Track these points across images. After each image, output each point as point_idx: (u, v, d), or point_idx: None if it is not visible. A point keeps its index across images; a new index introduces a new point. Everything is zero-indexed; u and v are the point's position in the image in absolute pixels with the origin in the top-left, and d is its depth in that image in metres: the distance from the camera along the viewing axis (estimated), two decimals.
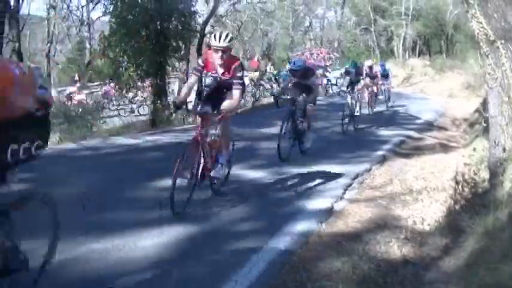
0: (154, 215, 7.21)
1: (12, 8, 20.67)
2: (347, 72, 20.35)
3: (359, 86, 18.53)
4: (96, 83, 39.92)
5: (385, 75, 25.07)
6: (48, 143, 4.45)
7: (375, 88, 22.65)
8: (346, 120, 17.02)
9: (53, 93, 31.12)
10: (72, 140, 15.09)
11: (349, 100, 17.49)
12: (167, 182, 7.32)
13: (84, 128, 18.20)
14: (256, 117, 20.08)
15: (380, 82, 24.02)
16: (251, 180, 9.97)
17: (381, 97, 24.60)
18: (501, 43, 6.55)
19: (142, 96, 29.20)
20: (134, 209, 7.57)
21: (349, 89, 18.19)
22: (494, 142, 6.98)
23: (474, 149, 11.09)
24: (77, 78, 42.10)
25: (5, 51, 20.44)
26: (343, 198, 8.93)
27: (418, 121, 21.14)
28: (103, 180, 9.27)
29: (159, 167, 9.62)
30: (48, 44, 48.02)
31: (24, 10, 37.31)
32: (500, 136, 6.81)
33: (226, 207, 8.05)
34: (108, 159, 11.86)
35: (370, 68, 22.30)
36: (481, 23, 6.68)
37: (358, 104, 18.17)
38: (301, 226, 7.18)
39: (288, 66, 19.03)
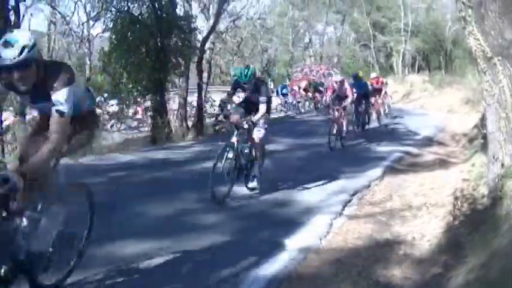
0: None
1: (12, 23, 20.70)
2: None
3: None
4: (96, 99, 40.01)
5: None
6: None
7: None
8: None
9: None
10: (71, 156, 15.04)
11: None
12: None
13: None
14: None
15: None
16: (249, 197, 10.00)
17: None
18: (498, 60, 6.57)
19: (141, 114, 29.26)
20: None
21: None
22: (493, 158, 6.99)
23: (473, 165, 11.09)
24: None
25: None
26: (342, 215, 8.94)
27: (418, 137, 21.12)
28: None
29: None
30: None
31: (24, 25, 37.41)
32: (498, 152, 6.81)
33: (225, 221, 8.08)
34: (103, 177, 11.80)
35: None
36: (478, 39, 6.70)
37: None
38: (300, 242, 7.18)
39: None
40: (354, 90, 18.93)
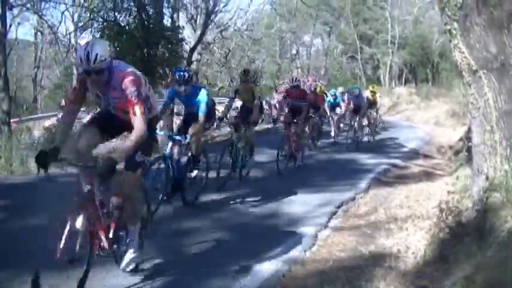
0: None
1: None
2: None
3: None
4: (82, 109, 39.76)
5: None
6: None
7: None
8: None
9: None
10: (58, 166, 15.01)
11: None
12: None
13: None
14: None
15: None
16: (234, 208, 9.99)
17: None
18: (483, 73, 6.62)
19: None
20: None
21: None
22: (477, 171, 7.02)
23: (457, 178, 11.13)
24: (63, 103, 41.90)
25: None
26: (328, 227, 8.95)
27: (404, 149, 21.16)
28: None
29: None
30: (35, 69, 48.03)
31: (11, 34, 37.39)
32: (483, 165, 6.85)
33: (209, 232, 8.08)
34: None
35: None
36: (463, 53, 6.75)
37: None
38: (285, 254, 7.18)
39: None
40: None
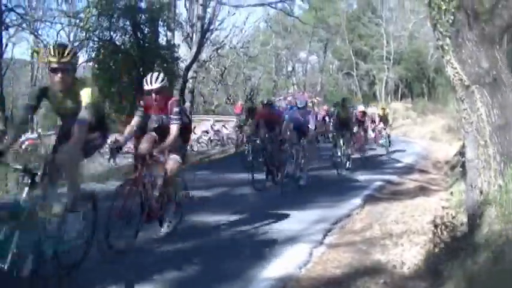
0: None
1: None
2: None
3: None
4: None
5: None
6: None
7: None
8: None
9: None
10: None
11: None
12: None
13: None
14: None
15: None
16: (228, 225, 9.99)
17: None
18: (476, 88, 6.64)
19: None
20: None
21: None
22: (471, 185, 7.02)
23: (451, 193, 11.14)
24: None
25: None
26: (323, 244, 8.90)
27: (400, 164, 21.23)
28: None
29: None
30: (31, 88, 48.08)
31: (7, 54, 37.49)
32: (477, 179, 6.84)
33: (203, 250, 8.07)
34: None
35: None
36: (455, 68, 6.77)
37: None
38: (280, 271, 7.14)
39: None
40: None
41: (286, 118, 15.03)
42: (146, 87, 8.27)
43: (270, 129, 15.04)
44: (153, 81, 8.22)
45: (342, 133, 18.70)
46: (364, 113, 24.07)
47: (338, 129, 19.09)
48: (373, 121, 27.22)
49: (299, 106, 14.98)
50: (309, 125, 14.83)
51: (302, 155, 14.66)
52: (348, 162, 18.62)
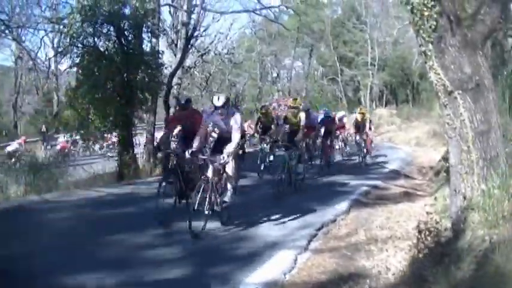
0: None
1: None
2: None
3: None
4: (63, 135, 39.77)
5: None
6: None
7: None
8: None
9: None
10: (37, 192, 15.04)
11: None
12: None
13: (50, 180, 17.95)
14: None
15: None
16: (212, 232, 9.94)
17: None
18: (458, 93, 6.68)
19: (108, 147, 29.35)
20: None
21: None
22: (455, 191, 7.05)
23: (435, 198, 11.16)
24: (43, 129, 41.84)
25: None
26: (308, 249, 8.90)
27: (385, 170, 21.27)
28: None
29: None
30: (15, 95, 47.90)
31: None
32: (460, 185, 6.88)
33: (186, 256, 8.12)
34: (68, 213, 11.71)
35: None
36: (438, 74, 6.81)
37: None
38: (265, 277, 7.17)
39: None
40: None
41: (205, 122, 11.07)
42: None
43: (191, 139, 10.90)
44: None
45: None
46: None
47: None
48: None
49: (216, 105, 10.14)
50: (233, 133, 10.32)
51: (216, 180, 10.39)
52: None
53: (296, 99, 16.66)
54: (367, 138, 23.14)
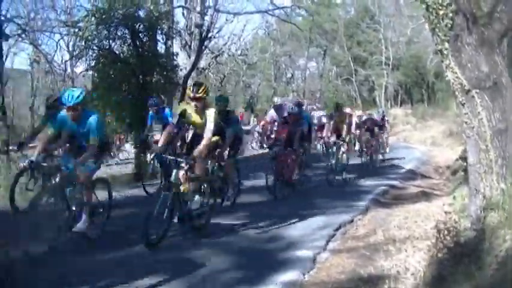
0: None
1: None
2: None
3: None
4: None
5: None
6: None
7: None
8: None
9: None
10: None
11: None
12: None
13: None
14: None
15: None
16: (230, 232, 10.03)
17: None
18: (476, 92, 6.65)
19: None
20: None
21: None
22: (474, 190, 7.02)
23: (454, 198, 11.10)
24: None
25: None
26: (326, 250, 8.89)
27: (402, 170, 21.16)
28: None
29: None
30: (32, 98, 48.14)
31: (7, 64, 37.55)
32: (479, 184, 6.84)
33: (206, 257, 8.08)
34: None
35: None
36: (455, 73, 6.78)
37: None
38: (283, 277, 7.16)
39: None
40: None
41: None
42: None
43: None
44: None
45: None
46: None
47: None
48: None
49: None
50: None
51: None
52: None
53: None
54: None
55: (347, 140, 17.97)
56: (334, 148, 17.11)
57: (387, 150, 25.76)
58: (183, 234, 9.60)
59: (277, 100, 19.79)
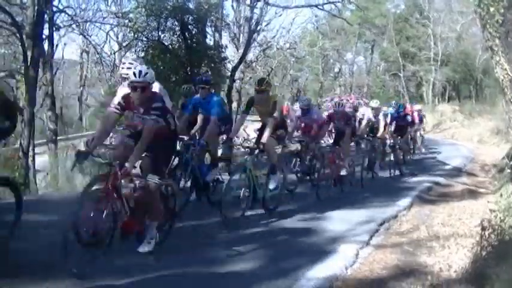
0: None
1: (46, 53, 21.03)
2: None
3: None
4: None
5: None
6: None
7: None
8: None
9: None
10: None
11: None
12: None
13: None
14: None
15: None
16: (274, 225, 10.08)
17: None
18: None
19: None
20: None
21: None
22: None
23: (501, 195, 11.00)
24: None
25: (37, 95, 20.81)
26: (369, 244, 8.89)
27: (448, 167, 20.95)
28: None
29: None
30: (81, 88, 48.74)
31: (58, 54, 38.06)
32: None
33: (251, 249, 8.18)
34: None
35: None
36: (505, 69, 6.73)
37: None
38: (326, 271, 7.17)
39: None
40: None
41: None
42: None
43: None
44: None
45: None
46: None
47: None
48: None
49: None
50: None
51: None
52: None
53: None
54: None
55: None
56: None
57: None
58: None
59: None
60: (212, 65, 22.64)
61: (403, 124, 18.82)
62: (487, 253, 6.98)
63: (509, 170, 12.87)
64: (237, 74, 28.40)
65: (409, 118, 19.52)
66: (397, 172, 17.44)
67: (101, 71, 42.27)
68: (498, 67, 6.93)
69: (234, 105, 25.92)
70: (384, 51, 61.78)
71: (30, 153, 16.95)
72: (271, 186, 10.53)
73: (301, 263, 7.52)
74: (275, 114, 10.47)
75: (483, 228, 7.34)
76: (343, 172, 13.81)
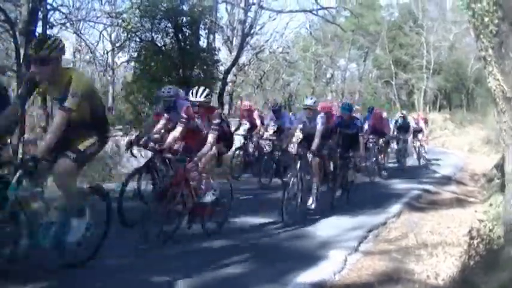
0: None
1: None
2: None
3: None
4: (118, 127, 40.13)
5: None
6: None
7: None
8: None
9: None
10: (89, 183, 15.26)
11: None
12: None
13: (103, 171, 18.17)
14: None
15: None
16: (262, 230, 10.10)
17: None
18: None
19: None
20: None
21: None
22: (511, 199, 6.98)
23: (490, 205, 11.03)
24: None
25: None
26: (358, 251, 8.92)
27: (437, 175, 21.03)
28: None
29: None
30: None
31: None
32: None
33: (238, 256, 8.15)
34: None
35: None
36: (498, 80, 6.73)
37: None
38: (314, 277, 7.18)
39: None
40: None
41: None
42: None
43: None
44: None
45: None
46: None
47: None
48: None
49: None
50: None
51: None
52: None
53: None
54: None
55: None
56: None
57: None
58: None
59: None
60: (205, 67, 22.65)
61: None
62: (475, 262, 7.00)
63: (498, 180, 12.88)
64: (229, 77, 28.43)
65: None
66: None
67: (93, 71, 42.24)
68: (491, 77, 6.94)
69: (226, 107, 25.90)
70: (376, 58, 61.88)
71: (20, 151, 16.86)
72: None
73: (290, 268, 7.52)
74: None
75: (471, 238, 7.37)
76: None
